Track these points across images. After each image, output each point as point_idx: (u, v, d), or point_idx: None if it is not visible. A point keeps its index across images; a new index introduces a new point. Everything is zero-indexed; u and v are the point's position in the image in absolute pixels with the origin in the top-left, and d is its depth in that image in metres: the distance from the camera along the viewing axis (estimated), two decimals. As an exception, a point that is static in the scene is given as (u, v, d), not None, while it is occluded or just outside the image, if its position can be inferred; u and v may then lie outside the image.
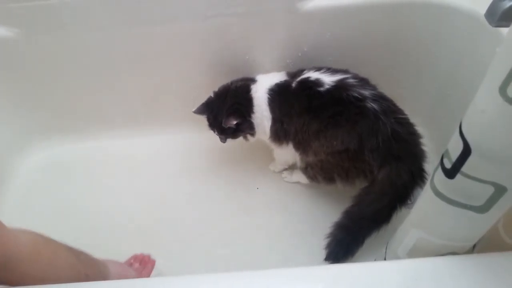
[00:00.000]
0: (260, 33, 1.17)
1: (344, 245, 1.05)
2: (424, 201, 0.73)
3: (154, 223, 1.23)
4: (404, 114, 1.04)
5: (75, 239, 1.19)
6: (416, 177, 0.99)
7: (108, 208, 1.27)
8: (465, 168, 0.59)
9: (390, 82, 1.09)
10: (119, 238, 1.20)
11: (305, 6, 1.13)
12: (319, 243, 1.08)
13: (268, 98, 1.11)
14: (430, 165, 1.03)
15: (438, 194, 0.67)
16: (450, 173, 0.62)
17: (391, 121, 0.98)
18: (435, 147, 1.19)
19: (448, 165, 0.62)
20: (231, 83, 1.17)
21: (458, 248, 0.75)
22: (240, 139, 1.22)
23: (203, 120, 1.39)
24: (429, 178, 0.71)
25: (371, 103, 0.99)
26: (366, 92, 1.01)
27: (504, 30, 0.59)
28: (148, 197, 1.30)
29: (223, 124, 1.12)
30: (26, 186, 1.34)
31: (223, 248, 1.18)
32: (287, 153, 1.18)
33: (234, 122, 1.11)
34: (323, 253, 1.07)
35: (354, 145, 1.01)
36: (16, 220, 1.23)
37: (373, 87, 1.04)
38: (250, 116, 1.13)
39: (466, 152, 0.58)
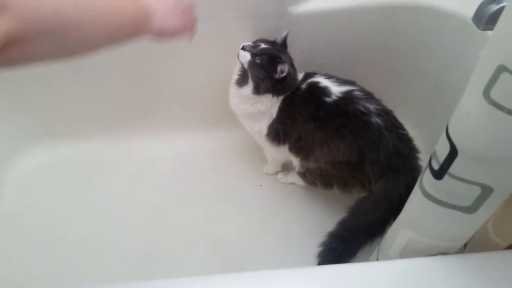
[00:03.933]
0: (252, 36, 1.17)
1: (336, 254, 1.04)
2: (414, 202, 0.75)
3: (151, 226, 1.23)
4: (404, 129, 1.06)
5: (71, 242, 1.21)
6: (411, 191, 1.00)
7: (104, 211, 1.27)
8: (452, 169, 0.61)
9: (381, 84, 1.11)
10: (117, 241, 1.20)
11: (296, 10, 1.14)
12: (316, 244, 1.08)
13: (283, 97, 1.10)
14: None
15: (426, 195, 0.68)
16: (438, 174, 0.63)
17: (393, 136, 1.00)
18: (425, 148, 1.21)
19: (436, 166, 0.64)
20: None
21: (448, 248, 0.76)
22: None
23: (200, 122, 1.42)
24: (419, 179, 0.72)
25: (376, 118, 1.00)
26: (371, 106, 1.02)
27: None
28: (145, 200, 1.30)
29: (280, 61, 1.04)
30: (20, 190, 1.34)
31: (219, 250, 1.18)
32: (279, 154, 1.19)
33: (285, 73, 1.04)
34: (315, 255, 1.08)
35: (355, 157, 1.02)
36: (9, 224, 1.25)
37: (378, 102, 1.05)
38: (274, 94, 1.08)
39: (453, 153, 0.59)
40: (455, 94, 1.15)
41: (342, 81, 1.08)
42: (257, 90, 1.08)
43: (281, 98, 1.09)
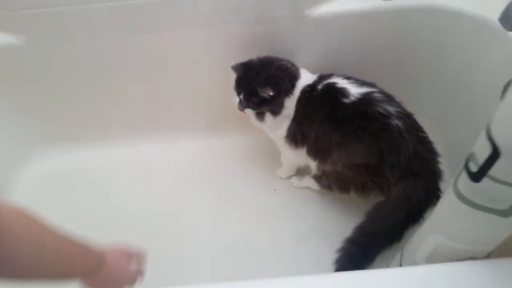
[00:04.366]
0: (268, 40, 1.16)
1: (353, 260, 1.03)
2: (446, 205, 0.73)
3: (161, 232, 1.21)
4: (424, 132, 1.04)
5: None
6: (432, 195, 0.99)
7: (111, 217, 1.25)
8: (492, 171, 0.59)
9: (397, 86, 1.09)
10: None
11: (313, 13, 1.13)
12: (332, 250, 1.06)
13: (299, 96, 1.09)
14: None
15: (461, 197, 0.66)
16: (476, 177, 0.62)
17: (413, 139, 0.98)
18: (442, 150, 1.20)
19: (474, 168, 0.62)
20: (282, 59, 1.12)
21: (478, 253, 0.74)
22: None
23: (211, 126, 1.40)
24: (452, 181, 0.70)
25: (396, 120, 0.98)
26: (391, 109, 1.00)
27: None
28: (155, 206, 1.28)
29: (258, 90, 1.06)
30: (28, 196, 1.31)
31: (232, 256, 1.17)
32: (297, 157, 1.17)
33: (270, 93, 1.05)
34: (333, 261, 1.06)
35: (375, 160, 1.01)
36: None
37: (398, 104, 1.04)
38: (285, 97, 1.08)
39: (495, 155, 0.58)
40: (472, 96, 1.16)
41: (361, 83, 1.06)
42: (276, 112, 1.10)
43: (297, 95, 1.08)
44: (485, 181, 0.61)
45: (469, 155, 0.64)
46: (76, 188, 1.34)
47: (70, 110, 1.34)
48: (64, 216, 1.25)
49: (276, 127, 1.14)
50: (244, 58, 1.14)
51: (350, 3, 1.14)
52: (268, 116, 1.11)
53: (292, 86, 1.08)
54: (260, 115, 1.13)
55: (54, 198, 1.31)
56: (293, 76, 1.09)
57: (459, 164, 0.75)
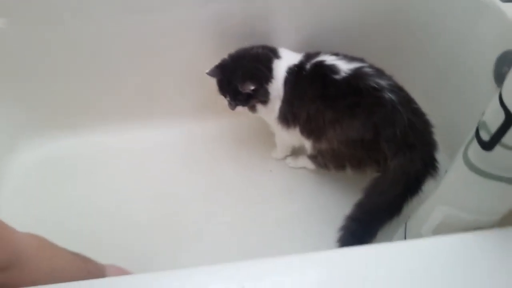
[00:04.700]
0: (261, 18, 1.13)
1: (356, 238, 1.02)
2: (456, 176, 0.72)
3: (156, 218, 1.19)
4: (416, 104, 1.04)
5: (74, 237, 1.13)
6: (428, 166, 0.99)
7: (106, 204, 1.21)
8: (506, 139, 0.58)
9: (388, 63, 1.07)
10: (119, 236, 1.15)
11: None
12: (331, 228, 1.04)
13: (285, 77, 1.08)
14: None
15: (472, 167, 0.66)
16: (488, 145, 0.61)
17: (407, 111, 0.98)
18: (435, 123, 1.20)
19: (486, 137, 0.61)
20: (252, 47, 1.12)
21: (485, 223, 0.74)
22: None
23: (203, 110, 1.37)
24: (461, 151, 0.70)
25: (389, 94, 0.97)
26: (383, 82, 0.99)
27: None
28: (150, 192, 1.25)
29: (239, 88, 1.07)
30: (19, 185, 1.27)
31: (231, 240, 1.15)
32: (291, 138, 1.16)
33: (252, 87, 1.06)
34: (332, 240, 1.04)
35: (370, 135, 1.00)
36: (11, 220, 1.17)
37: (389, 77, 1.03)
38: (267, 84, 1.08)
39: (508, 122, 0.57)
40: (465, 70, 1.15)
41: (350, 58, 1.05)
42: (265, 101, 1.11)
43: (283, 77, 1.07)
44: (497, 149, 0.60)
45: (479, 123, 0.63)
46: (68, 176, 1.30)
47: (59, 95, 1.29)
48: (57, 205, 1.23)
49: (270, 111, 1.13)
50: (238, 37, 1.13)
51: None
52: (259, 106, 1.12)
53: (270, 70, 1.08)
54: (252, 107, 1.14)
55: (46, 187, 1.28)
56: (267, 60, 1.09)
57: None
